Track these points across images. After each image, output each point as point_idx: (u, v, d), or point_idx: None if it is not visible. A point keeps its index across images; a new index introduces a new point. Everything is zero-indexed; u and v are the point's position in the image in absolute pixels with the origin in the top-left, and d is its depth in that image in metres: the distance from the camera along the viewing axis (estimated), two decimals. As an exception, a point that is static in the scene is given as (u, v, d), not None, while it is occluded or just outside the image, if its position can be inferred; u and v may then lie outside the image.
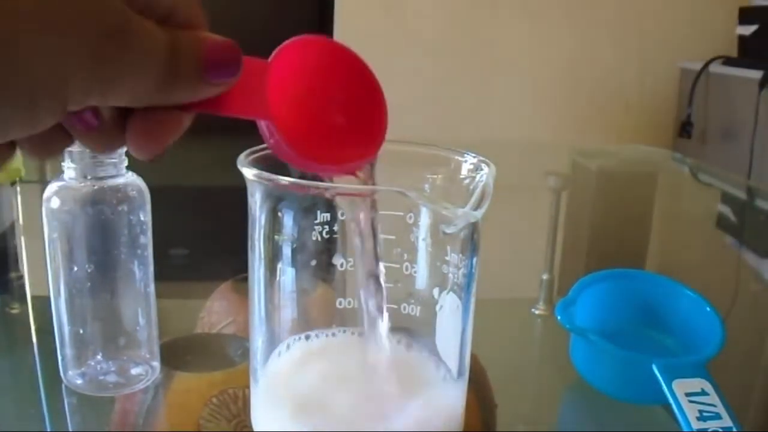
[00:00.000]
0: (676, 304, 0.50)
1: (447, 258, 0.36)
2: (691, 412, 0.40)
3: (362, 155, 0.32)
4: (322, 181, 0.33)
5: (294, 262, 0.36)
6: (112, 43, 0.23)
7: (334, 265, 0.37)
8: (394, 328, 0.39)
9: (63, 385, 0.45)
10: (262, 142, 0.39)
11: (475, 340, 0.38)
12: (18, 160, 1.07)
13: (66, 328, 0.44)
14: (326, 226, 0.36)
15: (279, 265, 0.36)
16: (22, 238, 0.80)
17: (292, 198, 0.36)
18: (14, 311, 0.61)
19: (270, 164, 0.36)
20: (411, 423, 0.36)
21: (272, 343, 0.39)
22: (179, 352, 0.49)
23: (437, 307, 0.37)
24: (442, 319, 0.37)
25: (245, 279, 0.38)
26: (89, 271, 0.43)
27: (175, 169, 1.06)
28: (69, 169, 0.43)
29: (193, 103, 0.27)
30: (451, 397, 0.37)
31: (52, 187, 0.43)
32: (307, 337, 0.39)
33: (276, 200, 0.36)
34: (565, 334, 0.48)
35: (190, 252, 0.75)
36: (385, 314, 0.35)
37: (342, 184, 0.34)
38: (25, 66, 0.22)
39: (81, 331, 0.44)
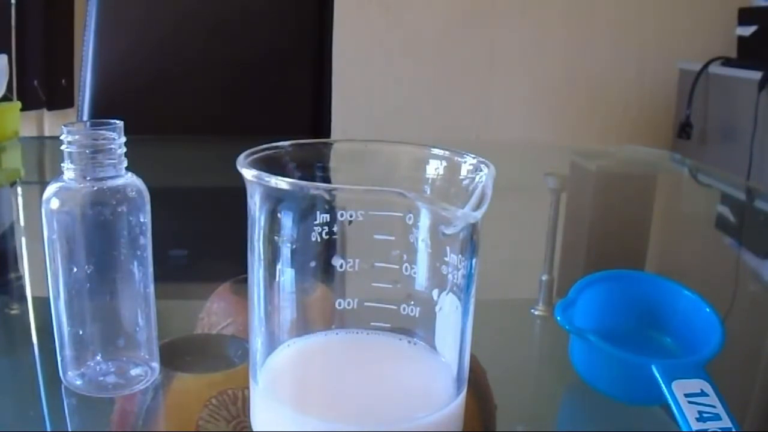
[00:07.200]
0: (676, 305, 0.50)
1: (446, 259, 0.36)
2: (690, 412, 0.39)
3: None
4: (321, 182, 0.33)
5: (293, 263, 0.36)
6: None
7: (333, 266, 0.37)
8: (394, 329, 0.39)
9: (62, 386, 0.45)
10: (262, 143, 0.39)
11: (474, 340, 0.38)
12: (18, 161, 1.08)
13: (65, 329, 0.44)
14: (325, 227, 0.36)
15: (278, 266, 0.36)
16: (22, 239, 0.80)
17: (292, 199, 0.36)
18: (14, 311, 0.61)
19: (269, 165, 0.36)
20: (411, 424, 0.36)
21: (271, 343, 0.39)
22: (178, 353, 0.49)
23: (437, 308, 0.37)
24: (441, 320, 0.37)
25: (245, 280, 0.38)
26: (89, 272, 0.43)
27: (175, 169, 1.06)
28: (68, 170, 0.43)
29: None
30: (450, 398, 0.37)
31: (51, 188, 0.43)
32: (307, 338, 0.39)
33: (275, 201, 0.36)
34: (564, 335, 0.48)
35: (190, 253, 0.75)
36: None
37: (342, 184, 0.34)
38: None
39: (80, 332, 0.44)
